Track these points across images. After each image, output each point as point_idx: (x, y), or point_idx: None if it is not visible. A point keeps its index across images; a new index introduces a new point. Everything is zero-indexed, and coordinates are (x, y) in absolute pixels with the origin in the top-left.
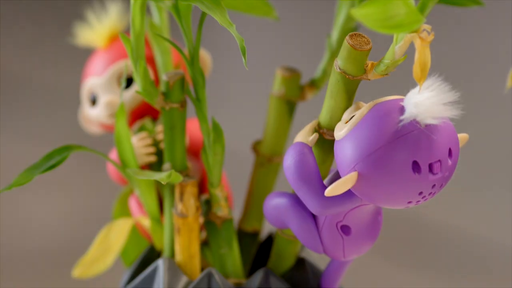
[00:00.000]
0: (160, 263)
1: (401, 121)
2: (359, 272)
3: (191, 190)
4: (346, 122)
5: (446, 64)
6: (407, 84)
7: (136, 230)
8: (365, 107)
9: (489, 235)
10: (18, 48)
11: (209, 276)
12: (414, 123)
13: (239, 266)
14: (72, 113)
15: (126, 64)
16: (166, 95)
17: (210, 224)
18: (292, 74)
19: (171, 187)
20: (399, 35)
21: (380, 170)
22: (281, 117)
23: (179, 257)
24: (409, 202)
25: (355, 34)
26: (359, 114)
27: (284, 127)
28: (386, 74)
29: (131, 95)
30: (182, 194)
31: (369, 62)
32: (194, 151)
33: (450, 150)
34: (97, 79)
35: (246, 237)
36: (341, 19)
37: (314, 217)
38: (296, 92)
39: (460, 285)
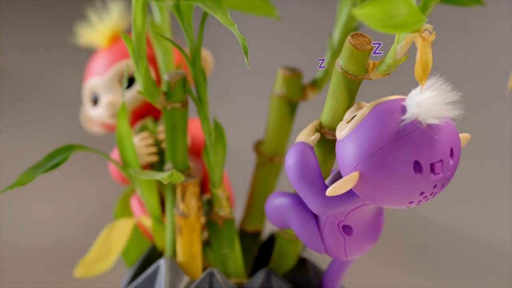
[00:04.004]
0: (162, 263)
1: (402, 121)
2: (360, 272)
3: (192, 190)
4: (348, 122)
5: (447, 64)
6: (408, 84)
7: (138, 230)
8: (366, 107)
9: (490, 236)
10: (19, 48)
11: (211, 276)
12: (415, 123)
13: (240, 266)
14: (73, 113)
15: (127, 64)
16: (167, 95)
17: (212, 224)
18: (294, 74)
19: (173, 187)
20: (401, 35)
21: (381, 170)
22: (282, 117)
23: (180, 257)
24: (411, 202)
25: (356, 34)
26: (360, 114)
27: (285, 127)
28: (388, 74)
29: (132, 95)
30: (183, 194)
31: (371, 62)
32: (196, 151)
33: (451, 150)
34: (98, 79)
35: (247, 237)
36: (343, 18)
37: (315, 217)
38: (298, 92)
39: (461, 285)
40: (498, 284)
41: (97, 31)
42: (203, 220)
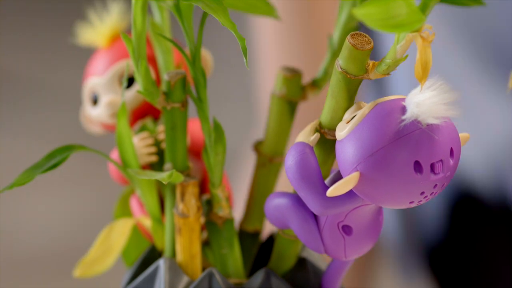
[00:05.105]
0: (161, 263)
1: (402, 121)
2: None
3: (192, 190)
4: (347, 122)
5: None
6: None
7: (137, 230)
8: (366, 107)
9: None
10: (19, 48)
11: (210, 276)
12: (415, 123)
13: (240, 266)
14: (73, 113)
15: (127, 64)
16: (167, 95)
17: (211, 224)
18: (294, 74)
19: (172, 187)
20: (401, 35)
21: (381, 170)
22: (282, 117)
23: (180, 257)
24: (411, 202)
25: (356, 34)
26: (360, 114)
27: (285, 127)
28: (388, 74)
29: (132, 95)
30: (183, 194)
31: (371, 62)
32: (196, 151)
33: (451, 150)
34: (98, 79)
35: (247, 237)
36: (343, 18)
37: (315, 217)
38: (298, 92)
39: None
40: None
41: (97, 31)
42: (202, 220)
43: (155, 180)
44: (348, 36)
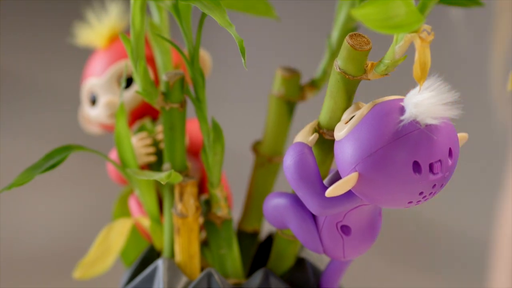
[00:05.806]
0: (160, 263)
1: (401, 121)
2: (358, 272)
3: (190, 190)
4: (346, 123)
5: (446, 65)
6: (407, 84)
7: (136, 230)
8: (365, 108)
9: (488, 236)
10: (18, 48)
11: (209, 276)
12: (414, 123)
13: (238, 266)
14: (73, 113)
15: (126, 64)
16: (166, 95)
17: (210, 224)
18: (292, 74)
19: (171, 187)
20: (399, 35)
21: (380, 171)
22: (281, 117)
23: (178, 257)
24: (410, 202)
25: (355, 34)
26: (359, 114)
27: (284, 127)
28: (386, 74)
29: (131, 95)
30: (181, 194)
31: (369, 62)
32: (194, 151)
33: (450, 150)
34: (97, 79)
35: (245, 237)
36: (341, 19)
37: (314, 217)
38: (296, 92)
39: (460, 285)
40: (496, 284)
41: (95, 31)
42: (201, 220)
43: (154, 180)
44: (347, 37)
